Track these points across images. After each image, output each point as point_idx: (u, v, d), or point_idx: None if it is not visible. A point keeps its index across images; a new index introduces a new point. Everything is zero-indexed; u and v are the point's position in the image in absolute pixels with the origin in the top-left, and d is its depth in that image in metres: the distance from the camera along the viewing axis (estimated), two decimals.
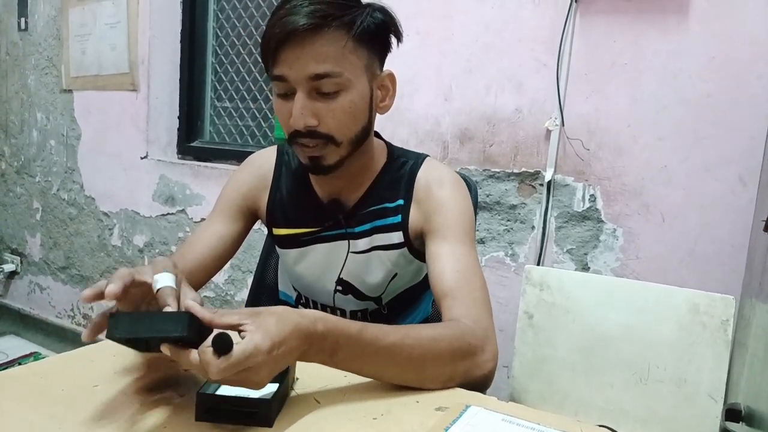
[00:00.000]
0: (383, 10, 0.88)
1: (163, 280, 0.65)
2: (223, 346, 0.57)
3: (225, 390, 0.69)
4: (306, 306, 1.10)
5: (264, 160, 1.07)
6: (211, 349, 0.57)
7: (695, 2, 1.41)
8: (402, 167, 0.99)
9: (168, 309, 0.62)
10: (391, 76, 0.94)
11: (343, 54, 0.83)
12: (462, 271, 0.87)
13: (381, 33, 0.88)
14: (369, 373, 0.72)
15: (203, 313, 0.62)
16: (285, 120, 0.87)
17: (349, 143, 0.89)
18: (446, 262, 0.89)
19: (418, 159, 1.01)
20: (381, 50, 0.91)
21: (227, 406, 0.63)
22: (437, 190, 0.95)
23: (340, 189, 0.99)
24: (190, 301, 0.64)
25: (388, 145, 1.03)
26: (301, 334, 0.63)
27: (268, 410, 0.63)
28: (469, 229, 0.94)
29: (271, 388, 0.69)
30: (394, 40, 0.91)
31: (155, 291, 0.64)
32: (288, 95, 0.85)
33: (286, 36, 0.81)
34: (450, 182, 0.96)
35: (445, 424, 0.62)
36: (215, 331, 0.59)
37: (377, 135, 1.01)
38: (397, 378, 0.73)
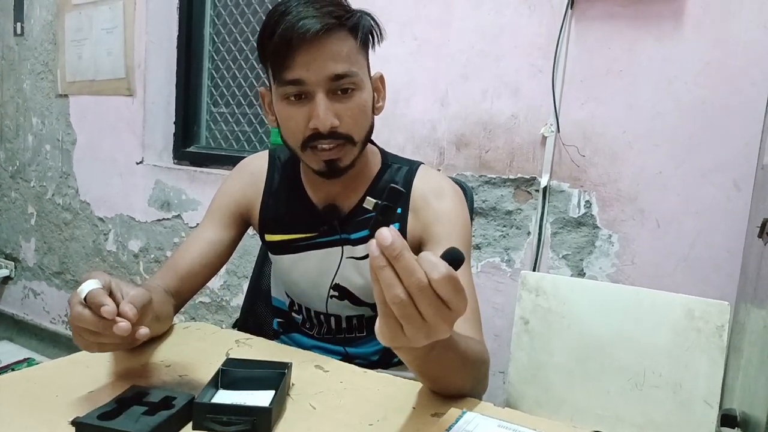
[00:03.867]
0: (371, 15, 0.91)
1: (87, 286, 0.65)
2: (454, 257, 0.51)
3: (221, 398, 0.69)
4: (299, 313, 1.09)
5: (256, 165, 1.07)
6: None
7: (690, 9, 1.42)
8: (396, 173, 1.00)
9: (106, 308, 0.62)
10: (382, 78, 0.96)
11: (354, 53, 0.86)
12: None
13: (373, 36, 0.91)
14: (447, 373, 0.70)
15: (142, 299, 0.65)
16: (300, 124, 0.87)
17: (362, 143, 0.91)
18: None
19: (413, 166, 1.01)
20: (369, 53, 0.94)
21: (225, 415, 0.62)
22: (436, 200, 0.95)
23: (335, 194, 0.98)
24: (127, 304, 0.65)
25: (381, 150, 1.04)
26: None
27: (267, 418, 0.63)
28: (467, 242, 0.95)
29: (269, 395, 0.69)
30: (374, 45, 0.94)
31: (83, 300, 0.64)
32: (302, 98, 0.86)
33: (303, 39, 0.81)
34: (448, 192, 0.97)
35: (441, 430, 0.62)
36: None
37: (370, 140, 1.02)
38: (460, 381, 0.73)
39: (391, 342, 0.53)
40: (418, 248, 0.97)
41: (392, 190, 0.50)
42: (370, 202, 0.50)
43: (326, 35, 0.82)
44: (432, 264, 0.49)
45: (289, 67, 0.84)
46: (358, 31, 0.86)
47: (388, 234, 0.47)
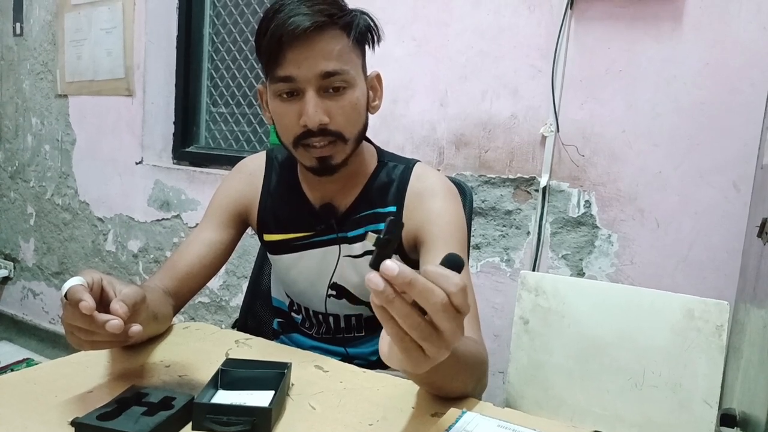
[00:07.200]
0: (368, 15, 0.91)
1: (68, 284, 0.65)
2: (456, 264, 0.51)
3: (221, 398, 0.69)
4: (298, 312, 1.09)
5: (254, 166, 1.07)
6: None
7: (689, 10, 1.42)
8: (392, 171, 1.00)
9: (84, 303, 0.61)
10: (379, 77, 0.96)
11: (346, 52, 0.86)
12: None
13: (369, 35, 0.91)
14: (447, 379, 0.70)
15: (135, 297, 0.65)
16: (292, 121, 0.87)
17: (354, 141, 0.91)
18: None
19: (409, 164, 1.01)
20: (365, 53, 0.93)
21: (224, 415, 0.62)
22: (430, 200, 0.95)
23: (333, 193, 0.98)
24: (118, 302, 0.64)
25: (377, 148, 1.04)
26: None
27: (266, 419, 0.62)
28: (463, 241, 0.95)
29: (268, 395, 0.69)
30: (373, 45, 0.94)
31: (64, 297, 0.64)
32: (293, 95, 0.86)
33: (293, 36, 0.82)
34: (442, 192, 0.96)
35: (441, 430, 0.62)
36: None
37: (366, 139, 1.01)
38: (462, 385, 0.73)
39: (418, 369, 0.52)
40: (413, 247, 0.97)
41: (391, 223, 0.50)
42: (372, 238, 0.50)
43: (317, 33, 0.82)
44: (444, 277, 0.49)
45: (280, 64, 0.84)
46: (352, 29, 0.86)
47: (393, 265, 0.47)
